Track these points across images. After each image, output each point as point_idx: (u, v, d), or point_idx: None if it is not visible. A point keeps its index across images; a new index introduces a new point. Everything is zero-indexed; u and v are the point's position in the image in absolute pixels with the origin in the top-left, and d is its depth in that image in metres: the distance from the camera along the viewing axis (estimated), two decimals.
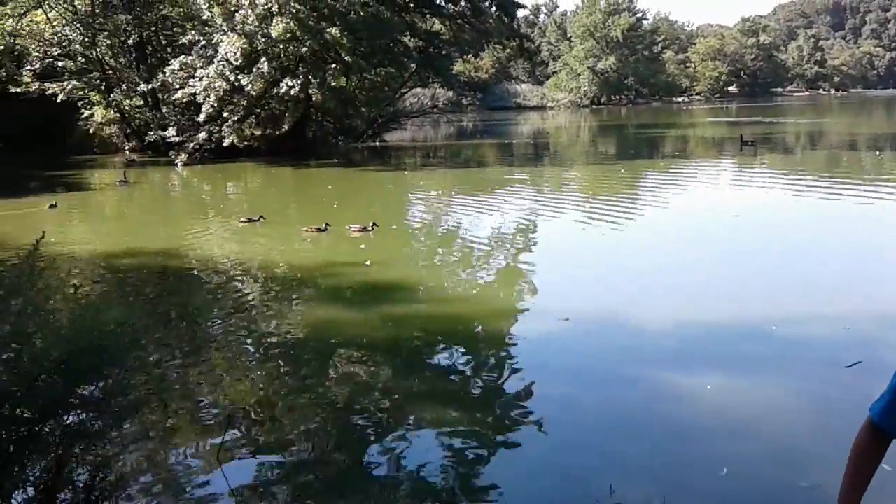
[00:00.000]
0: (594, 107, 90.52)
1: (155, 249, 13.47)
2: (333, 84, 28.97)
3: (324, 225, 14.21)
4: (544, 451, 5.75)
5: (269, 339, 8.41)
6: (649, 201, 18.81)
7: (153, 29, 33.18)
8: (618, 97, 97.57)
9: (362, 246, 13.04)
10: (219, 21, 28.35)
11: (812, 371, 7.18)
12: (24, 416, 3.70)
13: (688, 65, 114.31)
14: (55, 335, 3.81)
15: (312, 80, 28.62)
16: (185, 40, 31.31)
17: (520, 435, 6.03)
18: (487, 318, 9.11)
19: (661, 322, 8.72)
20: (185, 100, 29.37)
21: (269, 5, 27.20)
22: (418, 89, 44.84)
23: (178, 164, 28.67)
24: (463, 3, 34.31)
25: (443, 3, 34.90)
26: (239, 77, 27.70)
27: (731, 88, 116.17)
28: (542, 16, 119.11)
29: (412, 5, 34.32)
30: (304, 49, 27.78)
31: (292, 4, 26.99)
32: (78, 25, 30.86)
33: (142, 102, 32.34)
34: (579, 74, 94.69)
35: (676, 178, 23.35)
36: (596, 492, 4.98)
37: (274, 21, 27.07)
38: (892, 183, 20.89)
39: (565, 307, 9.22)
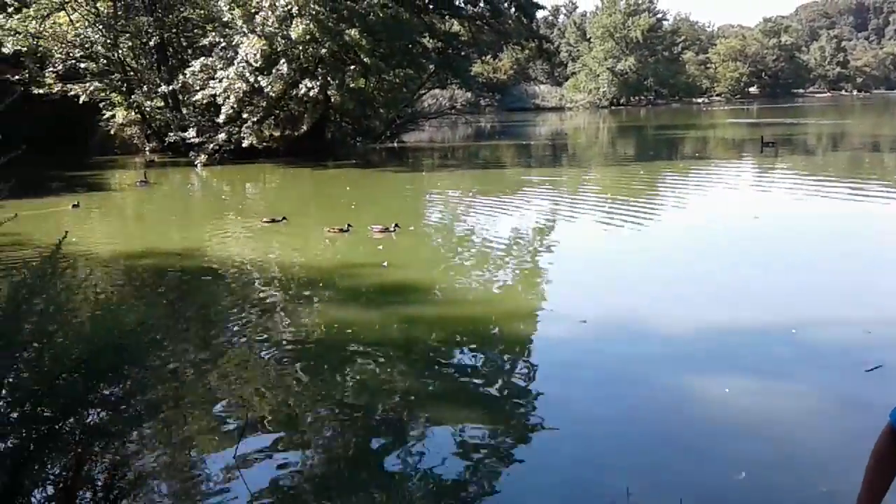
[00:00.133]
0: (613, 108, 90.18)
1: (174, 250, 13.58)
2: (352, 85, 29.07)
3: (346, 226, 14.27)
4: (561, 453, 5.73)
5: (286, 340, 8.45)
6: (668, 203, 18.71)
7: (174, 31, 33.44)
8: (637, 98, 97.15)
9: (380, 247, 13.07)
10: (239, 23, 28.53)
11: (832, 375, 7.11)
12: (45, 414, 3.73)
13: (708, 66, 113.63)
14: (76, 334, 3.85)
15: (331, 82, 28.73)
16: (205, 42, 31.54)
17: (536, 436, 6.02)
18: (504, 320, 9.10)
19: (679, 324, 8.67)
20: (205, 101, 29.60)
21: (289, 7, 27.32)
22: (437, 90, 44.95)
23: (198, 164, 28.87)
24: (482, 5, 34.31)
25: (462, 5, 34.93)
26: (258, 78, 27.87)
27: (752, 89, 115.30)
28: (561, 16, 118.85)
29: (431, 7, 34.36)
30: (324, 50, 27.87)
31: (312, 6, 27.10)
32: (100, 27, 31.15)
33: (162, 104, 32.59)
34: (598, 75, 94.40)
35: (696, 180, 23.21)
36: (612, 493, 4.95)
37: (294, 23, 27.19)
38: None
39: (583, 309, 9.19)
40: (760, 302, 9.46)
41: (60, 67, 31.11)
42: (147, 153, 34.30)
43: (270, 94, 28.61)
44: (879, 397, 6.38)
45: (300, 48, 28.05)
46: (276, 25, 27.63)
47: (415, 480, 5.37)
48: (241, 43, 28.26)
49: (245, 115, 29.40)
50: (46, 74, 30.69)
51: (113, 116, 33.56)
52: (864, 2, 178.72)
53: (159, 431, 5.80)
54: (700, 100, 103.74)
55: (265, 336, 8.63)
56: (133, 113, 33.03)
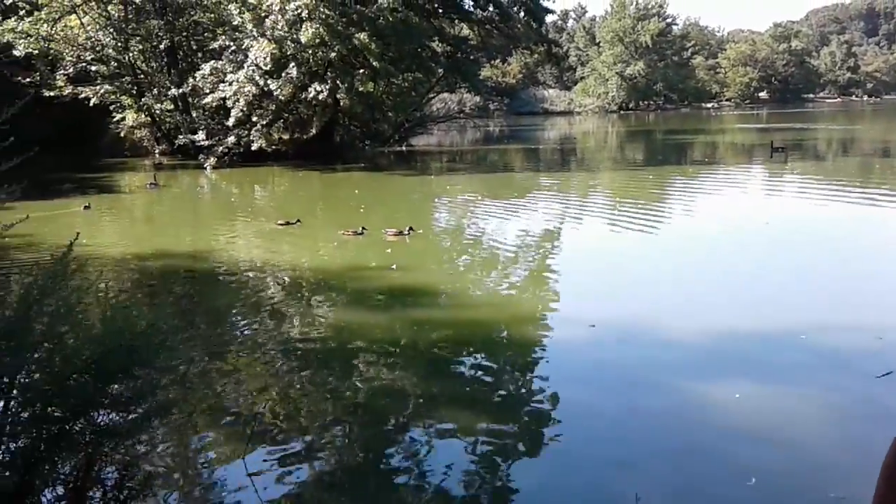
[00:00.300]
0: (622, 112, 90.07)
1: (184, 252, 13.64)
2: (361, 89, 29.12)
3: (360, 228, 14.32)
4: (568, 458, 5.71)
5: (294, 342, 8.46)
6: (677, 208, 18.67)
7: (184, 34, 33.58)
8: (646, 103, 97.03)
9: (388, 250, 13.08)
10: (249, 26, 28.64)
11: (843, 381, 7.07)
12: (56, 414, 3.76)
13: (718, 70, 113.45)
14: (87, 335, 3.87)
15: (340, 85, 28.80)
16: (215, 45, 31.65)
17: (544, 441, 6.00)
18: (512, 324, 9.09)
19: (688, 329, 8.64)
20: (214, 104, 29.73)
21: (299, 11, 27.40)
22: (445, 94, 44.96)
23: (207, 167, 28.97)
24: (491, 9, 34.33)
25: (471, 9, 34.94)
26: (268, 82, 27.96)
27: (762, 94, 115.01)
28: (570, 21, 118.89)
29: (441, 11, 34.41)
30: (333, 54, 27.95)
31: (322, 10, 27.17)
32: (111, 31, 31.33)
33: (172, 106, 32.72)
34: (607, 80, 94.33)
35: (705, 185, 23.15)
36: (621, 500, 4.94)
37: (303, 26, 27.27)
38: None
39: (592, 313, 9.18)
40: (771, 307, 9.43)
41: (71, 70, 31.31)
42: (157, 156, 34.49)
43: (280, 97, 28.70)
44: (891, 403, 6.36)
45: (309, 52, 28.13)
46: (286, 29, 27.73)
47: (422, 484, 5.36)
48: (251, 46, 28.37)
49: (254, 119, 29.50)
50: (57, 77, 30.88)
51: (123, 119, 33.76)
52: (875, 7, 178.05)
53: (169, 432, 5.81)
54: (709, 104, 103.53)
55: (274, 338, 8.65)
56: (143, 115, 33.19)
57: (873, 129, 51.79)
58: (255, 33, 28.41)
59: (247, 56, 28.49)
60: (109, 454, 4.01)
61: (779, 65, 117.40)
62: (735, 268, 11.76)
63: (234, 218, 18.13)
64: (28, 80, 28.78)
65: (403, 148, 38.18)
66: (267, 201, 22.72)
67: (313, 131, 33.02)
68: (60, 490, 3.93)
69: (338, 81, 28.80)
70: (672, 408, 6.53)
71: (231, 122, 28.81)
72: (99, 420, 3.90)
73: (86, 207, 18.42)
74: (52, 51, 30.97)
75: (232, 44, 30.03)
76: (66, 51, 31.36)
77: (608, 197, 21.42)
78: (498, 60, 77.11)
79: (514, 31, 35.62)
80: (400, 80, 31.23)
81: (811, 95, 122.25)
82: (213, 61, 30.09)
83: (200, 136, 30.12)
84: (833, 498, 5.01)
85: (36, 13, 30.05)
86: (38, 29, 29.93)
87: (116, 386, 3.95)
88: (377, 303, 10.16)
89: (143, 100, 31.88)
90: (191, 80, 30.47)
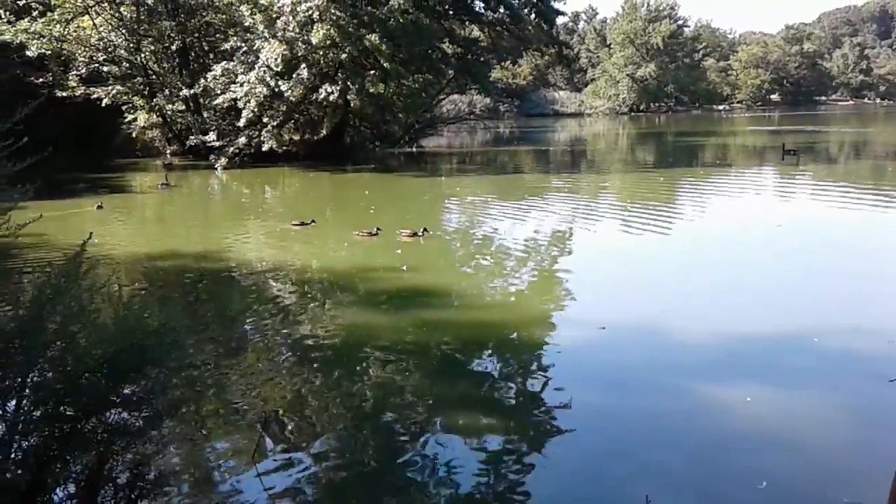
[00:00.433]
0: (633, 114, 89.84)
1: (195, 252, 13.68)
2: (371, 90, 29.16)
3: (375, 230, 14.35)
4: (579, 460, 5.70)
5: (304, 342, 8.48)
6: (688, 210, 18.61)
7: (196, 35, 33.72)
8: (657, 105, 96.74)
9: (398, 251, 13.09)
10: (260, 28, 28.74)
11: (854, 384, 7.03)
12: (68, 413, 3.77)
13: (729, 72, 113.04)
14: (99, 335, 3.88)
15: (351, 86, 28.85)
16: (226, 46, 31.77)
17: (554, 443, 5.99)
18: (522, 325, 9.08)
19: (699, 332, 8.62)
20: (225, 105, 29.83)
21: (311, 12, 27.45)
22: (456, 95, 45.00)
23: (218, 168, 29.07)
24: (502, 10, 34.29)
25: (482, 10, 34.92)
26: (279, 83, 28.03)
27: (774, 97, 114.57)
28: (581, 22, 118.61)
29: (451, 12, 34.39)
30: (344, 55, 28.00)
31: (333, 11, 27.22)
32: (123, 31, 31.49)
33: (184, 107, 32.87)
34: (618, 81, 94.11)
35: (716, 187, 23.06)
36: (631, 502, 4.93)
37: (314, 28, 27.33)
38: None
39: (602, 316, 9.16)
40: (783, 310, 9.39)
41: (84, 71, 31.47)
42: (168, 156, 34.64)
43: (290, 98, 28.76)
44: None
45: (320, 53, 28.19)
46: (297, 30, 27.79)
47: (431, 485, 5.36)
48: (262, 47, 28.46)
49: (265, 119, 29.59)
50: (70, 77, 31.05)
51: (135, 119, 33.94)
52: (888, 9, 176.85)
53: (180, 431, 5.83)
54: (721, 107, 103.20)
55: (284, 338, 8.67)
56: (155, 116, 33.36)
57: (886, 132, 51.50)
58: (266, 34, 28.50)
59: (258, 57, 28.58)
60: (121, 453, 4.02)
61: (791, 67, 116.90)
62: (746, 270, 11.71)
63: (245, 218, 18.19)
64: (41, 80, 28.97)
65: (413, 149, 38.20)
66: (277, 202, 22.78)
67: (324, 132, 33.08)
68: (72, 488, 3.94)
69: (348, 82, 28.85)
70: (682, 410, 6.51)
71: (242, 122, 28.91)
72: (111, 419, 3.91)
73: (99, 207, 18.55)
74: (64, 51, 31.14)
75: (243, 45, 30.13)
76: (79, 51, 31.53)
77: (619, 199, 21.36)
78: (508, 62, 77.12)
79: (524, 32, 35.57)
80: (410, 81, 31.24)
81: (823, 98, 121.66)
82: (224, 62, 30.21)
83: (211, 136, 30.25)
84: (846, 502, 4.98)
85: (49, 14, 30.22)
86: (50, 30, 30.10)
87: (128, 385, 3.96)
88: (387, 304, 10.17)
89: (154, 100, 32.04)
90: (202, 80, 30.60)
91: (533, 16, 35.18)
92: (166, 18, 31.85)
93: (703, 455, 5.72)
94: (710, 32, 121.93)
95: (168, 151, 35.17)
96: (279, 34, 27.93)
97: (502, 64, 72.34)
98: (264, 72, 28.09)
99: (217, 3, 32.68)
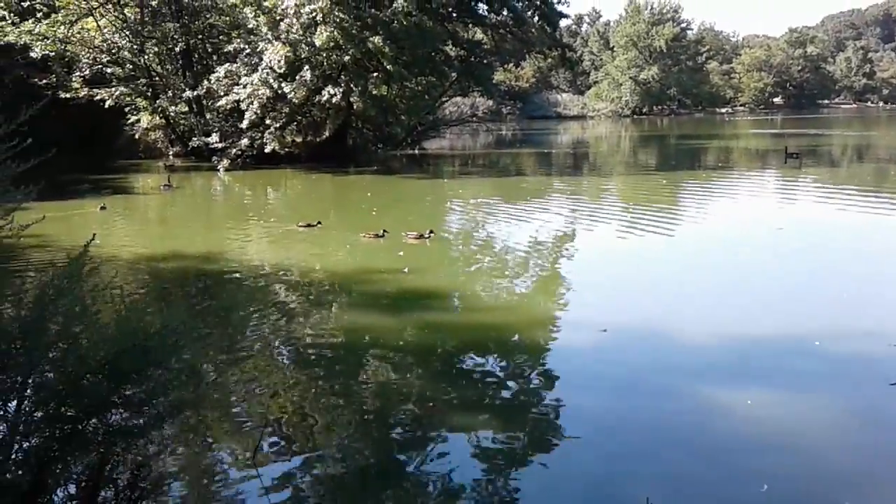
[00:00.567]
0: (635, 117, 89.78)
1: (197, 253, 13.70)
2: (374, 92, 29.17)
3: (381, 231, 14.37)
4: (579, 462, 5.70)
5: (305, 344, 8.49)
6: (690, 213, 18.60)
7: (200, 37, 33.79)
8: (660, 107, 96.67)
9: (400, 253, 13.10)
10: (264, 30, 28.78)
11: (856, 387, 7.03)
12: (69, 414, 3.78)
13: (732, 76, 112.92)
14: (101, 336, 3.89)
15: (354, 89, 28.86)
16: (230, 48, 31.84)
17: (554, 445, 6.00)
18: (524, 327, 9.08)
19: (700, 335, 8.62)
20: (228, 107, 29.86)
21: (314, 14, 27.49)
22: (458, 98, 44.97)
23: (221, 169, 29.11)
24: (505, 13, 34.29)
25: (485, 13, 34.94)
26: (282, 85, 28.07)
27: (777, 100, 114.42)
28: (584, 25, 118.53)
29: (454, 15, 34.41)
30: (347, 57, 28.02)
31: (336, 14, 27.26)
32: (127, 33, 31.57)
33: (187, 109, 32.93)
34: (621, 84, 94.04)
35: (718, 190, 23.05)
36: (632, 503, 4.93)
37: (318, 30, 27.36)
38: None
39: (603, 318, 9.16)
40: (784, 313, 9.38)
41: (87, 72, 31.55)
42: (170, 157, 34.68)
43: (293, 100, 28.81)
44: None
45: (324, 55, 28.22)
46: (301, 32, 27.83)
47: (432, 488, 5.37)
48: (266, 49, 28.50)
49: (268, 121, 29.63)
50: (74, 79, 31.12)
51: (138, 121, 33.99)
52: (891, 13, 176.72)
53: (180, 433, 5.84)
54: (723, 110, 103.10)
55: (285, 339, 8.69)
56: (158, 117, 33.42)
57: (889, 136, 51.45)
58: (269, 36, 28.54)
59: (261, 59, 28.62)
60: (122, 454, 4.03)
61: (794, 70, 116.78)
62: (748, 273, 11.71)
63: (247, 220, 18.20)
64: (45, 81, 29.06)
65: (416, 151, 38.22)
66: (280, 204, 22.80)
67: (326, 134, 33.09)
68: (73, 489, 3.95)
69: (351, 85, 28.86)
70: (683, 413, 6.51)
71: (245, 124, 28.96)
72: (112, 420, 3.92)
73: (102, 208, 18.57)
74: (68, 53, 31.21)
75: (247, 47, 30.19)
76: (83, 53, 31.60)
77: (620, 202, 21.36)
78: (511, 64, 77.18)
79: (527, 35, 35.57)
80: (413, 83, 31.28)
81: (826, 101, 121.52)
82: (227, 64, 30.27)
83: (214, 138, 30.32)
84: None
85: (53, 15, 30.32)
86: (54, 31, 30.17)
87: (130, 386, 3.97)
88: (389, 305, 10.18)
89: (157, 102, 32.11)
90: (205, 82, 30.67)
91: (536, 18, 35.17)
92: (170, 20, 31.94)
93: (705, 457, 5.72)
94: (714, 35, 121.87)
95: (171, 153, 35.22)
96: (282, 36, 27.98)
97: (505, 66, 72.41)
98: (267, 74, 28.12)
99: (221, 5, 32.79)
